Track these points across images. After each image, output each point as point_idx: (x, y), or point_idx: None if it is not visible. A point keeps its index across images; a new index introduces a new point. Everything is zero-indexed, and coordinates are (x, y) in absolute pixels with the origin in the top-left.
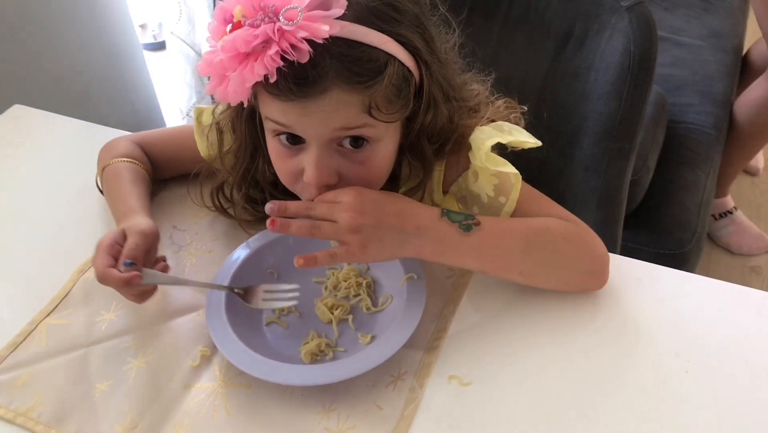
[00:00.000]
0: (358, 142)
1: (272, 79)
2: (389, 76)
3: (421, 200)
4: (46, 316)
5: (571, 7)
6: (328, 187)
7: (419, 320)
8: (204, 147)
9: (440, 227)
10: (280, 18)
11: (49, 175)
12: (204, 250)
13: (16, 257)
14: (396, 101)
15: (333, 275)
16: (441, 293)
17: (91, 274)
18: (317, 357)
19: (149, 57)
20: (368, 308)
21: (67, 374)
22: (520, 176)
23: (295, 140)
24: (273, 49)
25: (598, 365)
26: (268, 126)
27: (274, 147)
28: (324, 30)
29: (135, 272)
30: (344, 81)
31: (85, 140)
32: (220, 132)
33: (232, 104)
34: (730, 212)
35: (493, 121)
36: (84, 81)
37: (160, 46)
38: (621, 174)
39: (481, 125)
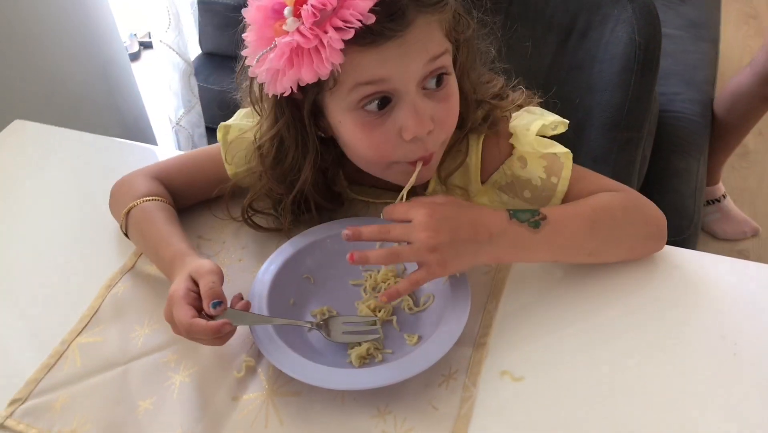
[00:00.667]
0: (440, 79)
1: (370, 21)
2: None
3: (456, 169)
4: (77, 335)
5: (573, 0)
6: (429, 135)
7: (467, 316)
8: (232, 166)
9: (511, 230)
10: None
11: (58, 190)
12: (234, 258)
13: (32, 276)
14: (459, 21)
15: (370, 277)
16: (481, 289)
17: (120, 289)
18: (366, 360)
19: None
20: (410, 308)
21: (108, 393)
22: (571, 154)
23: (382, 105)
24: None
25: (645, 349)
26: (358, 95)
27: (359, 122)
28: None
29: (225, 320)
30: (423, 6)
31: (89, 151)
32: (261, 153)
33: (324, 75)
34: (718, 200)
35: (521, 106)
36: (74, 93)
37: (133, 57)
38: (630, 163)
39: (513, 111)
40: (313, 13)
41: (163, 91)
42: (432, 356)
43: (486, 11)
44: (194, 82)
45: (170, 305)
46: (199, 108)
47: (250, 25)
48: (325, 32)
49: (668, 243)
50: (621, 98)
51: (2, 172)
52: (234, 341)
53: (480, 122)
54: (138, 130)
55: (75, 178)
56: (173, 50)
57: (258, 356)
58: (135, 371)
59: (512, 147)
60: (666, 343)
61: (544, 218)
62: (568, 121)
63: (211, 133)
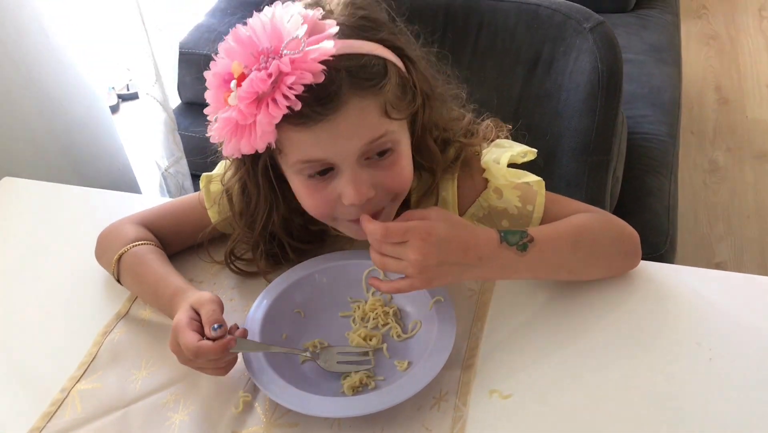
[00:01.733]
0: (383, 151)
1: (297, 107)
2: (393, 75)
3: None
4: (77, 382)
5: (537, 33)
6: (369, 201)
7: (454, 340)
8: (215, 214)
9: (500, 254)
10: (283, 53)
11: (49, 243)
12: (225, 298)
13: (28, 328)
14: (404, 98)
15: (359, 308)
16: (466, 312)
17: (116, 335)
18: (359, 389)
19: None
20: (399, 335)
21: None
22: (543, 182)
23: (324, 171)
24: (290, 79)
25: (626, 361)
26: (299, 167)
27: (303, 185)
28: (330, 46)
29: (230, 336)
30: (358, 89)
31: (78, 204)
32: (230, 199)
33: (260, 149)
34: None
35: (492, 141)
36: (58, 149)
37: (112, 110)
38: (602, 185)
39: (483, 146)
40: (247, 95)
41: (148, 142)
42: (422, 380)
43: (451, 64)
44: (178, 136)
45: (175, 335)
46: (184, 161)
47: (208, 88)
48: (259, 111)
49: (647, 260)
50: (588, 123)
51: None
52: (230, 376)
53: (452, 161)
54: (123, 183)
55: (66, 231)
56: (159, 103)
57: (254, 390)
58: (135, 414)
59: (486, 181)
60: (646, 354)
61: (532, 240)
62: (536, 150)
63: (196, 180)
